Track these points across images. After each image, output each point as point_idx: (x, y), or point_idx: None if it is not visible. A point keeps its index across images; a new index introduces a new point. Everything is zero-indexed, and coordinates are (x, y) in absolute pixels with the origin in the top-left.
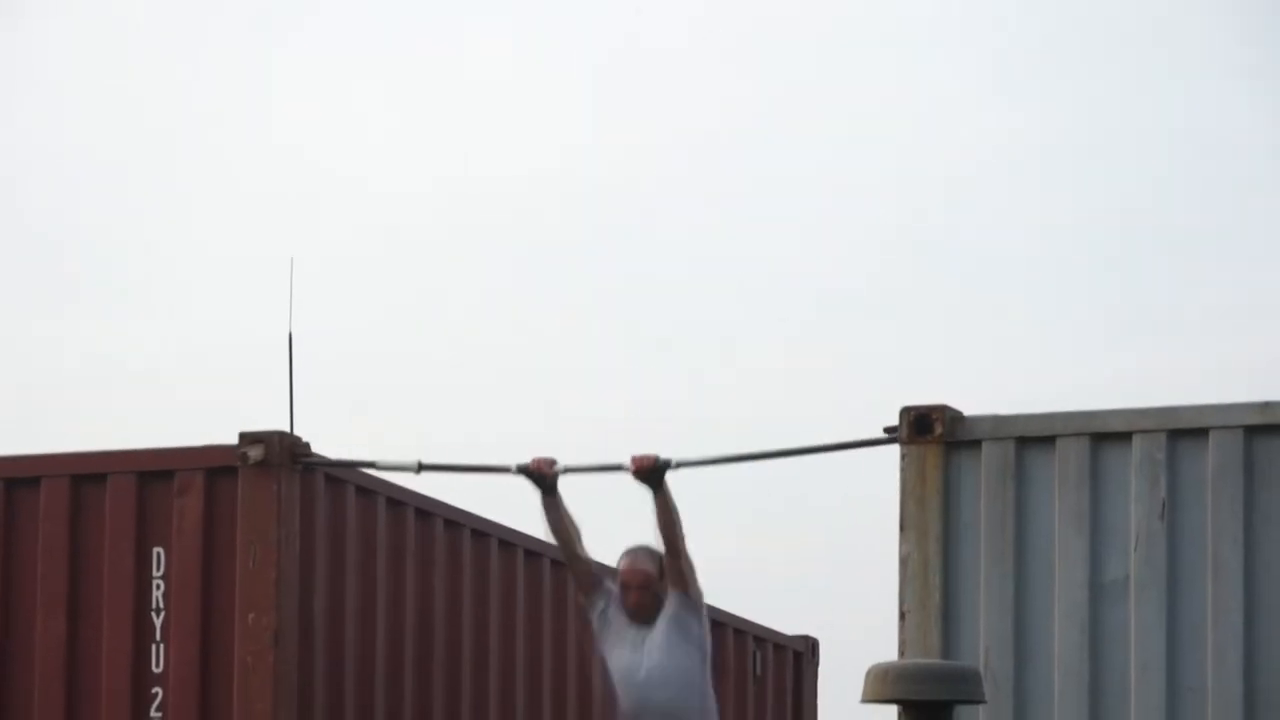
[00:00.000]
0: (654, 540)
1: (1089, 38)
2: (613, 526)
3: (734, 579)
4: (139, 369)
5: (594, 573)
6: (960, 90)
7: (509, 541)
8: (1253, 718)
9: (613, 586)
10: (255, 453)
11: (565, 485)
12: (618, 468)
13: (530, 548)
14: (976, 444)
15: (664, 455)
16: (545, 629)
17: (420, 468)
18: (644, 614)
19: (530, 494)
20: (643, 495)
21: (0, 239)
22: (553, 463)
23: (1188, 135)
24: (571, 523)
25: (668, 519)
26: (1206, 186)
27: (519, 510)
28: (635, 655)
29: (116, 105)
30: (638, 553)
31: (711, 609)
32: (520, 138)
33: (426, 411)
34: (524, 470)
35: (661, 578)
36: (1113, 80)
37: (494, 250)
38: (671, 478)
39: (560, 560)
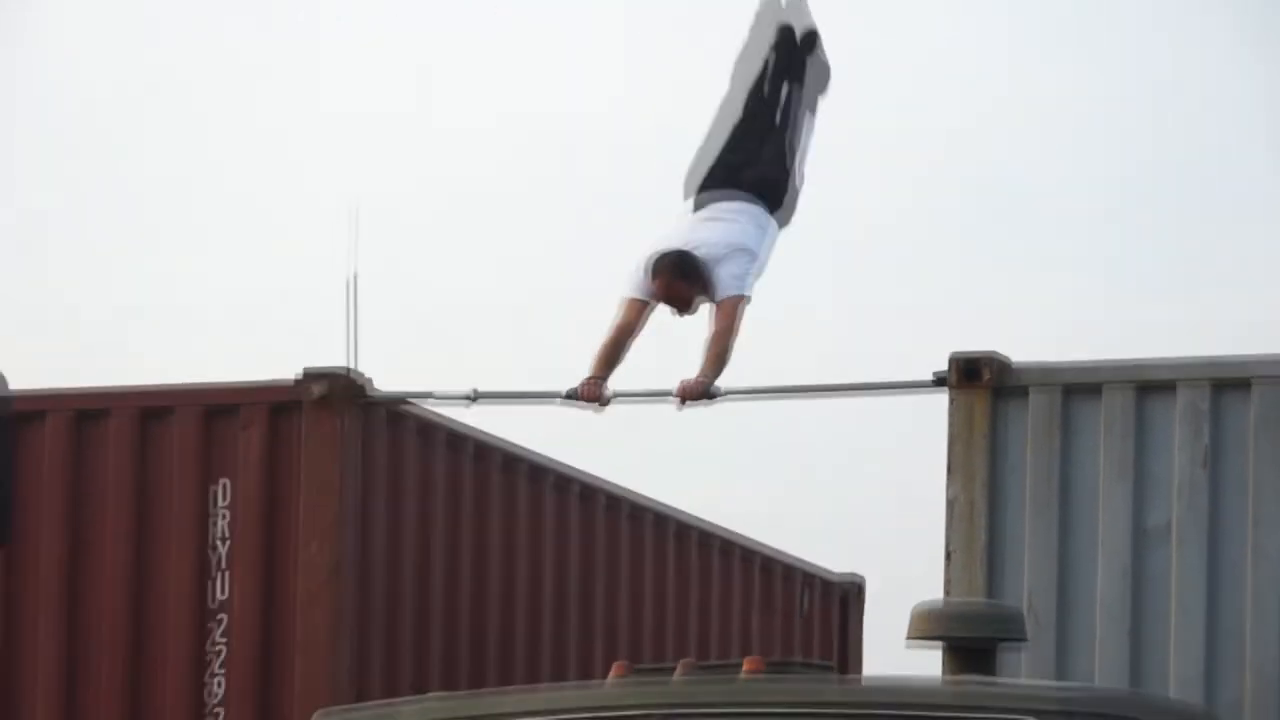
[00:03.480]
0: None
1: None
2: (659, 456)
3: (783, 519)
4: (206, 306)
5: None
6: (1018, 36)
7: (566, 476)
8: None
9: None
10: (318, 389)
11: (612, 414)
12: (665, 394)
13: (587, 482)
14: (1024, 391)
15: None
16: (598, 564)
17: (475, 396)
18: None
19: (578, 424)
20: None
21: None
22: (601, 388)
23: (1244, 90)
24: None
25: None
26: (1260, 139)
27: (572, 445)
28: None
29: (182, 57)
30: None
31: (761, 546)
32: (575, 77)
33: (483, 347)
34: (572, 396)
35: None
36: (1169, 32)
37: (551, 189)
38: (719, 410)
39: (617, 494)
